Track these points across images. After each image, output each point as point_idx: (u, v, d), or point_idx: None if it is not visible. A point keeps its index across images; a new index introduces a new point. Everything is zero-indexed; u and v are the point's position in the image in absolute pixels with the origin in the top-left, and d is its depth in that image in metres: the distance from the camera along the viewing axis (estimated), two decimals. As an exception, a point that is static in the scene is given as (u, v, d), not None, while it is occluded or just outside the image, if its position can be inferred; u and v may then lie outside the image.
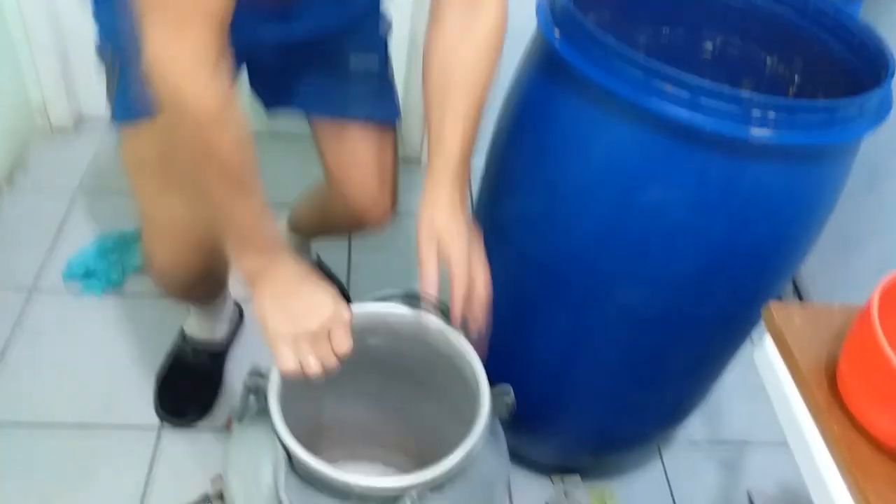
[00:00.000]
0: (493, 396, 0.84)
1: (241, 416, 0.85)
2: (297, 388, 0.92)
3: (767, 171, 0.82)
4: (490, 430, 0.89)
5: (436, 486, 0.78)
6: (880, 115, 0.82)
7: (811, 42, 0.95)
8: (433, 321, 0.89)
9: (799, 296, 1.66)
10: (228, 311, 1.41)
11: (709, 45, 1.05)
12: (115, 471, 1.22)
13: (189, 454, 1.26)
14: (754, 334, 0.98)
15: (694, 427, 1.40)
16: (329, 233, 1.43)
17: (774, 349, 0.71)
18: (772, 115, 0.74)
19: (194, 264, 1.08)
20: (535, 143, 0.93)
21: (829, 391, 0.65)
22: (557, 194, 0.91)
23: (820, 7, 0.95)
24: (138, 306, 1.48)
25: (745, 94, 0.75)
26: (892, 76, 0.81)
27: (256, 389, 0.82)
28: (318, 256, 1.53)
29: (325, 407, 1.08)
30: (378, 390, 1.07)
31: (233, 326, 1.43)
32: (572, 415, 1.14)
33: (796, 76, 0.99)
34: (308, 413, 1.04)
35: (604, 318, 0.97)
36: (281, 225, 1.44)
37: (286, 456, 0.77)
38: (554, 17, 0.86)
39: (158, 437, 1.28)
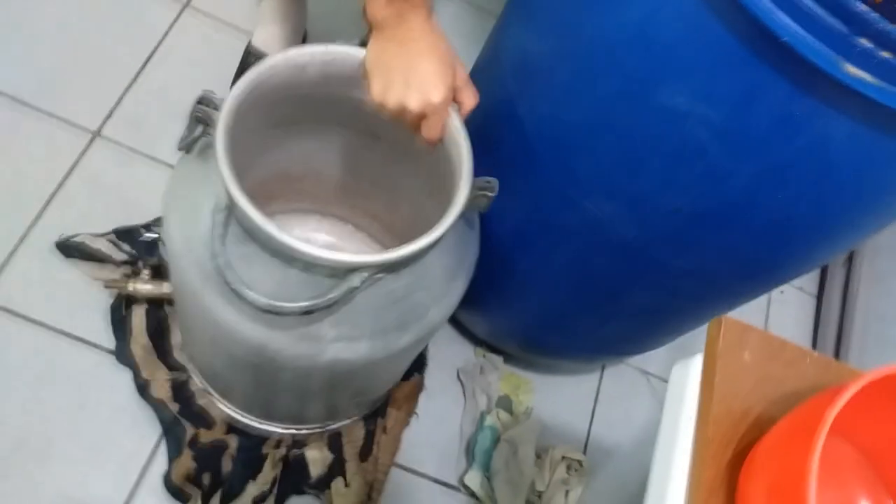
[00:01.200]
0: (474, 187, 0.73)
1: (188, 146, 0.73)
2: (257, 125, 0.81)
3: (851, 129, 0.57)
4: (465, 220, 0.79)
5: (392, 268, 0.70)
6: None
7: None
8: None
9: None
10: (302, 22, 1.27)
11: None
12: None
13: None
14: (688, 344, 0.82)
15: (657, 361, 1.28)
16: None
17: (695, 388, 0.54)
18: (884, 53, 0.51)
19: None
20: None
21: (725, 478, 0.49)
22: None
23: None
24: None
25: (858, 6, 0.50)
26: None
27: (205, 120, 0.70)
28: None
29: (290, 154, 0.97)
30: (355, 148, 0.96)
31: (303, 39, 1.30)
32: (524, 302, 0.98)
33: None
34: (268, 159, 0.93)
35: (599, 234, 0.79)
36: None
37: (228, 202, 0.67)
38: None
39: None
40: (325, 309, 0.67)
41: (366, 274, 0.67)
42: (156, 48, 1.27)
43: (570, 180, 0.76)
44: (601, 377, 1.23)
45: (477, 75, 0.86)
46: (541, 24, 0.74)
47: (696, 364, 0.54)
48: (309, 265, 0.68)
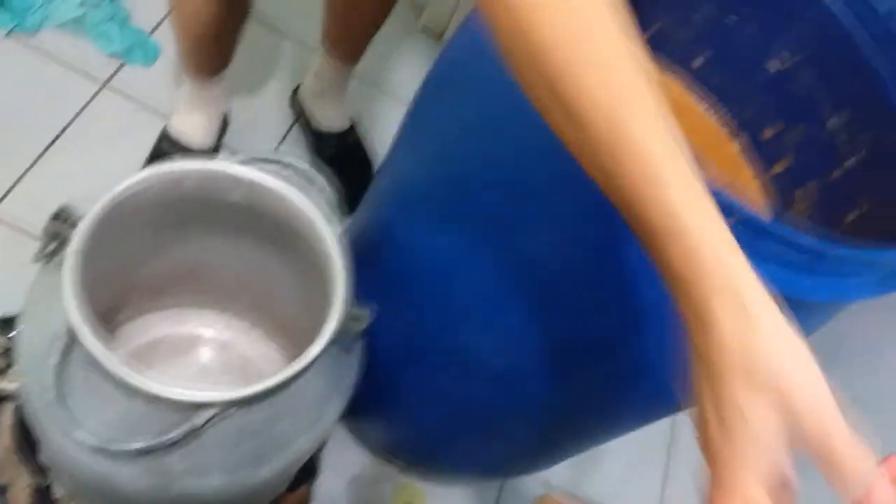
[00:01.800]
0: (344, 316, 0.70)
1: (43, 259, 0.70)
2: (144, 225, 0.78)
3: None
4: (340, 344, 0.77)
5: (245, 403, 0.67)
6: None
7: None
8: (314, 213, 0.74)
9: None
10: (222, 110, 1.25)
11: (776, 64, 0.82)
12: None
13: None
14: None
15: (561, 473, 1.22)
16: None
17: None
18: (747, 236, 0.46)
19: None
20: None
21: None
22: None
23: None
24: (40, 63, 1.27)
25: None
26: None
27: (58, 237, 0.67)
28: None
29: (184, 251, 0.94)
30: (248, 248, 0.93)
31: (221, 133, 1.28)
32: (409, 420, 0.96)
33: (860, 152, 0.74)
34: (163, 255, 0.90)
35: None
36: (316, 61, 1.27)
37: (70, 328, 0.64)
38: None
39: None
40: (165, 449, 0.63)
41: (212, 412, 0.63)
42: (67, 126, 1.24)
43: (445, 309, 0.74)
44: (501, 488, 1.19)
45: (368, 194, 0.85)
46: (424, 154, 0.73)
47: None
48: (152, 399, 0.64)
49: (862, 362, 1.16)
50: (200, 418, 0.63)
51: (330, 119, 1.32)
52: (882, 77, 0.73)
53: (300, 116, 1.36)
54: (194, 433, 0.64)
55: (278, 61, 1.43)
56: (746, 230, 0.51)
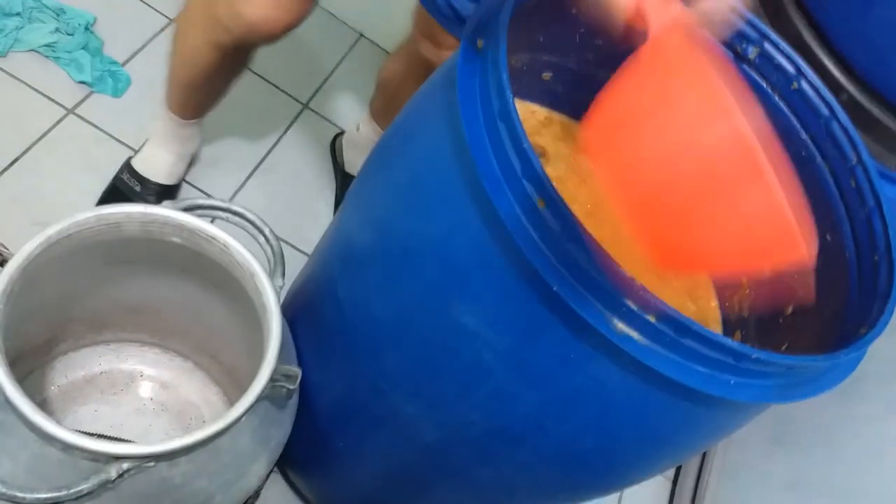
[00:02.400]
0: (274, 374, 0.69)
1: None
2: (84, 262, 0.77)
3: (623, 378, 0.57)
4: (271, 401, 0.76)
5: (164, 458, 0.65)
6: (820, 385, 0.60)
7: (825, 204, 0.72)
8: (254, 264, 0.74)
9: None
10: (192, 149, 1.26)
11: None
12: None
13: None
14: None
15: None
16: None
17: None
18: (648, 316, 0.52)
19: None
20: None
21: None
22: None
23: (865, 168, 0.70)
24: (7, 85, 1.26)
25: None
26: (874, 337, 0.59)
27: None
28: None
29: (127, 288, 0.93)
30: (191, 290, 0.93)
31: (186, 170, 1.28)
32: (343, 479, 0.94)
33: None
34: (104, 290, 0.90)
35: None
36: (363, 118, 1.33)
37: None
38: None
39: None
40: (74, 501, 0.62)
41: (127, 465, 0.62)
42: (28, 149, 1.23)
43: (380, 371, 0.74)
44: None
45: (317, 248, 0.85)
46: (365, 218, 0.74)
47: None
48: (67, 447, 0.63)
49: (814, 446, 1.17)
50: (114, 471, 0.61)
51: (360, 168, 1.36)
52: (822, 180, 0.75)
53: (335, 159, 1.42)
54: (107, 486, 0.62)
55: (260, 109, 1.44)
56: (669, 328, 0.52)
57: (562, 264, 0.53)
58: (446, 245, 0.61)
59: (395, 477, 0.84)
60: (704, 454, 1.33)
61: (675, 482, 1.37)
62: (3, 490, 0.59)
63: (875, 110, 0.91)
